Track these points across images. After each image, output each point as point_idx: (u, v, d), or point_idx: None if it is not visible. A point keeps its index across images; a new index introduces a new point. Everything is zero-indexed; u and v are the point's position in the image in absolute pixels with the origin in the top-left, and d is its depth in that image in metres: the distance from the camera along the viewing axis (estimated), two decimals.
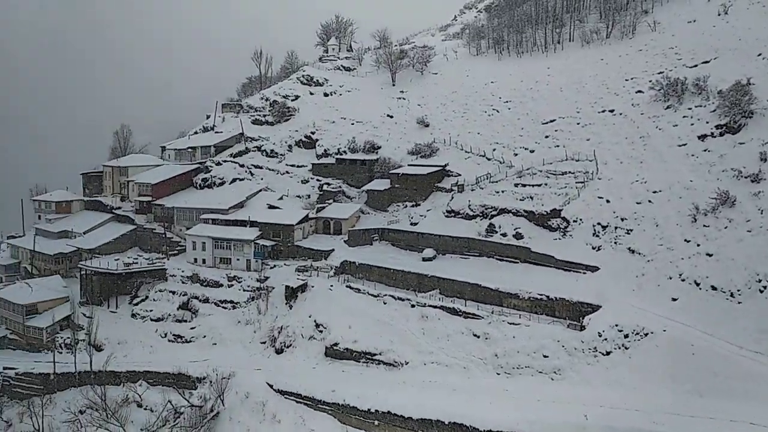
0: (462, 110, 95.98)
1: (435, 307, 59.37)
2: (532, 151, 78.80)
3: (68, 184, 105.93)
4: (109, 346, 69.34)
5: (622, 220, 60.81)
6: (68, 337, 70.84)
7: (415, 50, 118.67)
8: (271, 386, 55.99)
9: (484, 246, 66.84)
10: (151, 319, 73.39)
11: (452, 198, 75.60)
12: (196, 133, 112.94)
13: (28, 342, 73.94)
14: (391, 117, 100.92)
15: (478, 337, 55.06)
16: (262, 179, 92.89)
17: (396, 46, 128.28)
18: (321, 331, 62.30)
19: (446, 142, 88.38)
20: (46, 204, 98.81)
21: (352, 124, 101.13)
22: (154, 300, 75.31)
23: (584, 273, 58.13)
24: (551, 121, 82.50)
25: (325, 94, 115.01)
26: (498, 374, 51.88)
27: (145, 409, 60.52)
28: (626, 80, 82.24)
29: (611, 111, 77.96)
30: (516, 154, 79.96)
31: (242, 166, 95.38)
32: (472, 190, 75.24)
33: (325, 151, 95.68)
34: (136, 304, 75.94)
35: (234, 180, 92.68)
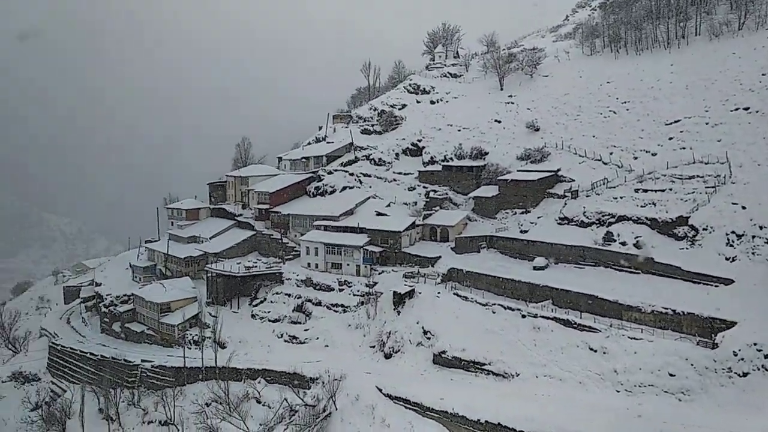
0: (575, 113, 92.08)
1: (548, 318, 57.24)
2: (654, 154, 73.63)
3: (196, 193, 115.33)
4: (232, 344, 74.07)
5: (761, 228, 55.09)
6: (196, 335, 76.72)
7: (524, 53, 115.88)
8: (380, 390, 56.88)
9: (601, 255, 63.42)
10: (269, 320, 77.52)
11: (565, 204, 72.64)
12: (309, 144, 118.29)
13: (163, 337, 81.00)
14: (499, 122, 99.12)
15: (595, 351, 52.29)
16: (370, 187, 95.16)
17: (504, 50, 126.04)
18: (429, 338, 62.36)
19: (558, 147, 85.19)
20: (178, 211, 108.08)
21: (459, 130, 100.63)
22: (271, 302, 79.55)
23: (716, 286, 53.28)
24: (676, 122, 76.69)
25: (432, 102, 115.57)
26: (617, 391, 48.85)
27: (263, 405, 63.71)
28: (763, 75, 74.59)
29: (746, 109, 71.06)
30: (636, 158, 75.10)
31: (352, 174, 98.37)
32: (587, 196, 71.82)
33: (431, 158, 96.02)
34: (256, 306, 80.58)
35: (344, 188, 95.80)
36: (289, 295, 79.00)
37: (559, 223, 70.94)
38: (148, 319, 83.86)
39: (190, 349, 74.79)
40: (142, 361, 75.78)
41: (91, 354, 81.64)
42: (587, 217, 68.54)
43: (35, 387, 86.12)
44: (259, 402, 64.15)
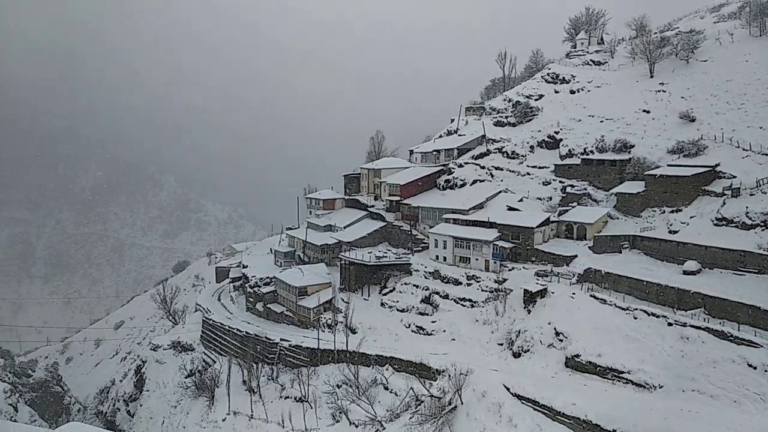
0: (738, 101, 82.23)
1: (699, 328, 52.00)
2: None
3: (333, 184, 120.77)
4: (362, 330, 76.70)
5: None
6: (329, 318, 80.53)
7: (679, 36, 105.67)
8: (507, 389, 55.59)
9: (765, 261, 56.18)
10: (397, 310, 79.11)
11: (724, 203, 65.28)
12: (440, 137, 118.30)
13: (299, 319, 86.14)
14: (648, 112, 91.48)
15: (755, 368, 46.58)
16: (502, 181, 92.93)
17: (655, 33, 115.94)
18: (561, 340, 59.63)
19: (716, 139, 76.71)
20: (316, 201, 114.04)
21: (601, 121, 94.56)
22: (400, 292, 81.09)
23: None
24: None
25: (572, 92, 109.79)
26: None
27: (390, 392, 65.25)
28: None
29: None
30: None
31: (483, 167, 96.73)
32: (752, 194, 63.90)
33: (569, 151, 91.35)
34: (385, 294, 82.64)
35: (474, 181, 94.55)
36: (417, 287, 79.95)
37: (716, 224, 63.95)
38: (287, 301, 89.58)
39: (323, 332, 78.66)
40: (281, 339, 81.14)
41: (237, 330, 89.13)
42: (750, 219, 61.01)
43: (190, 356, 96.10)
44: (386, 388, 65.78)
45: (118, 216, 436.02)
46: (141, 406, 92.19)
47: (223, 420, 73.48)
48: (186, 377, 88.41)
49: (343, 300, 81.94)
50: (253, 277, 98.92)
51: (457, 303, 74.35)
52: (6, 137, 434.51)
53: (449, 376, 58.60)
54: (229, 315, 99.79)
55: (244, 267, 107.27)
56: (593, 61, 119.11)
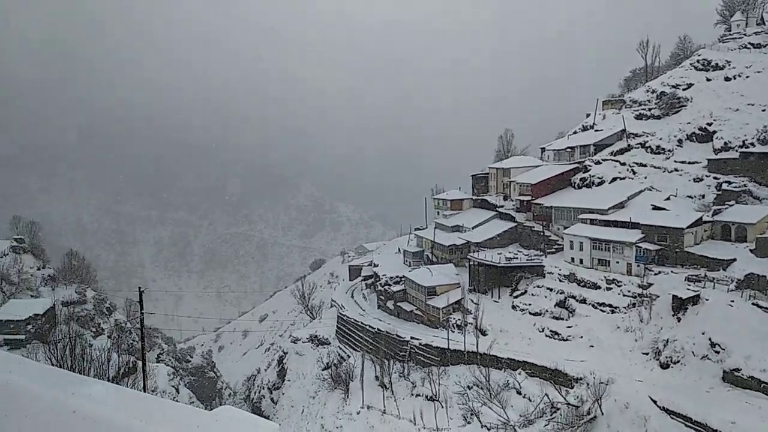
0: None
1: None
2: None
3: (460, 184, 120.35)
4: (492, 332, 75.54)
5: None
6: (459, 319, 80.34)
7: None
8: (654, 402, 51.53)
9: None
10: (530, 313, 76.81)
11: None
12: (575, 133, 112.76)
13: (428, 318, 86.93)
14: None
15: None
16: (645, 178, 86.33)
17: None
18: (717, 352, 54.01)
19: None
20: (443, 202, 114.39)
21: (763, 110, 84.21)
22: (532, 295, 78.67)
23: None
24: None
25: (726, 79, 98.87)
26: None
27: (524, 397, 63.50)
28: None
29: None
30: None
31: (623, 164, 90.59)
32: None
33: (725, 144, 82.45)
34: (516, 297, 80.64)
35: (614, 179, 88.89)
36: (551, 290, 76.98)
37: None
38: (416, 300, 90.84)
39: (453, 332, 78.61)
40: (411, 338, 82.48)
41: (369, 326, 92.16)
42: None
43: (326, 350, 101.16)
44: (518, 393, 64.15)
45: (262, 217, 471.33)
46: (283, 394, 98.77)
47: (357, 413, 76.29)
48: (323, 370, 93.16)
49: (472, 301, 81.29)
50: (383, 275, 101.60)
51: (596, 308, 70.41)
52: (171, 150, 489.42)
53: (588, 384, 55.70)
54: (361, 312, 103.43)
55: (375, 266, 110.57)
56: (752, 44, 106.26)
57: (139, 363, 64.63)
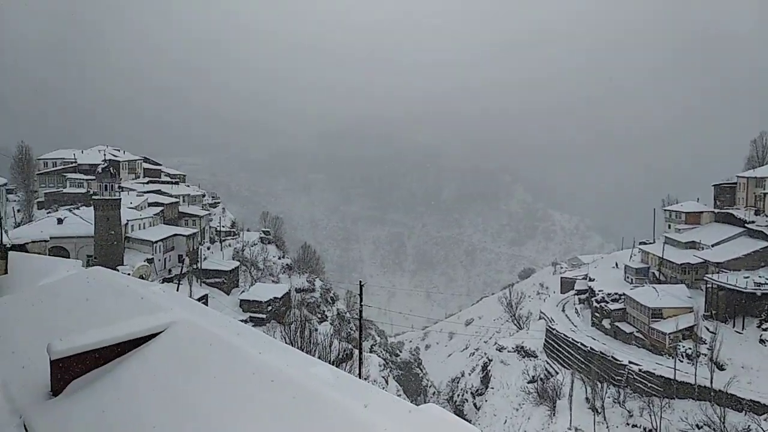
0: None
1: None
2: None
3: (699, 195, 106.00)
4: (732, 367, 65.22)
5: None
6: (689, 348, 70.96)
7: None
8: None
9: None
10: None
11: None
12: None
13: (651, 343, 78.42)
14: None
15: None
16: None
17: None
18: None
19: None
20: (676, 214, 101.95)
21: None
22: None
23: None
24: None
25: None
26: None
27: None
28: None
29: None
30: None
31: None
32: None
33: None
34: (766, 330, 68.36)
35: None
36: None
37: None
38: (638, 322, 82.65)
39: (681, 361, 69.77)
40: (630, 362, 75.38)
41: (582, 344, 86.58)
42: None
43: (533, 362, 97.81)
44: None
45: (472, 222, 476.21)
46: (486, 401, 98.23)
47: None
48: (528, 382, 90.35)
49: (707, 329, 71.12)
50: (599, 291, 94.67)
51: None
52: (391, 157, 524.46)
53: None
54: (573, 327, 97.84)
55: (591, 280, 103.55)
56: None
57: (356, 351, 70.25)
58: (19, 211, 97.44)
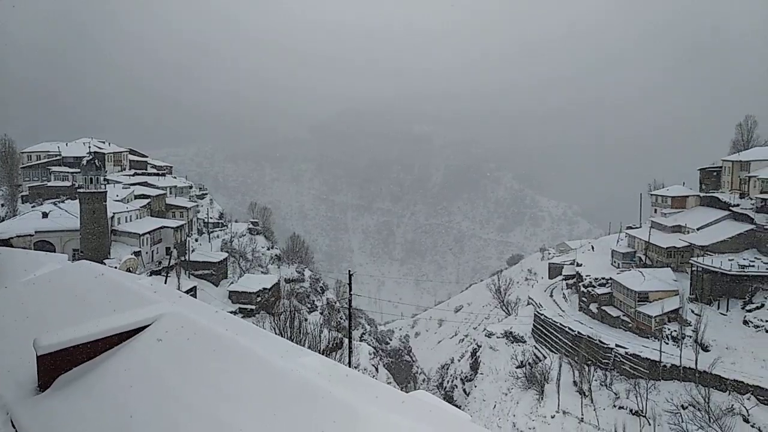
0: None
1: None
2: None
3: (684, 179, 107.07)
4: (716, 348, 66.34)
5: None
6: (674, 330, 72.05)
7: None
8: None
9: None
10: (766, 330, 65.70)
11: None
12: None
13: (638, 326, 79.49)
14: None
15: None
16: None
17: None
18: None
19: None
20: (662, 198, 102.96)
21: None
22: None
23: None
24: None
25: None
26: None
27: (752, 426, 55.01)
28: None
29: None
30: None
31: None
32: None
33: None
34: (750, 311, 69.61)
35: None
36: None
37: None
38: (624, 305, 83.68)
39: (666, 344, 70.87)
40: (617, 345, 76.43)
41: (569, 329, 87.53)
42: None
43: (521, 348, 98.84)
44: (746, 421, 55.73)
45: (461, 209, 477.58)
46: (475, 387, 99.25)
47: (552, 417, 73.28)
48: (517, 367, 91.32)
49: (692, 311, 72.17)
50: (587, 276, 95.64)
51: None
52: (378, 147, 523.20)
53: None
54: (560, 312, 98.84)
55: (578, 265, 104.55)
56: None
57: (346, 340, 70.53)
58: (2, 205, 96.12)
